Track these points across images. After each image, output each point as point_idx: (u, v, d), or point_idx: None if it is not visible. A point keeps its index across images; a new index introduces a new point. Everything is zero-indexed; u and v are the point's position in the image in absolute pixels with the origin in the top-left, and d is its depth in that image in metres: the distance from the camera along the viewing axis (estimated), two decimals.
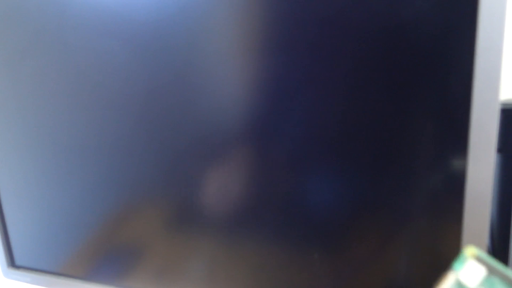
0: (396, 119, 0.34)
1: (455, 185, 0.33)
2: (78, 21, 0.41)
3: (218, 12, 0.37)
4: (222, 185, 0.41)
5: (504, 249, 0.40)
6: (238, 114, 0.39)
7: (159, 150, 0.42)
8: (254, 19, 0.36)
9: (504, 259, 0.40)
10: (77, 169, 0.46)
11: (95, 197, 0.46)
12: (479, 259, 0.20)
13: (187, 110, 0.40)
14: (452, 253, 0.34)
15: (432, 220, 0.35)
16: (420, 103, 0.33)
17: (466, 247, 0.20)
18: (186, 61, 0.39)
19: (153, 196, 0.44)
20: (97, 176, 0.45)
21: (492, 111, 0.31)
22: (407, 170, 0.35)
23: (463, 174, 0.33)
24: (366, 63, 0.34)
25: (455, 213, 0.34)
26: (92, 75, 0.42)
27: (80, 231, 0.47)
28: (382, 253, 0.37)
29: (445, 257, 0.35)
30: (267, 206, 0.40)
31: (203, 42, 0.38)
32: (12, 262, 0.54)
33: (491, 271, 0.20)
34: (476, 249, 0.20)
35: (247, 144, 0.39)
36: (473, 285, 0.19)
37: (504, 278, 0.19)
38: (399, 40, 0.32)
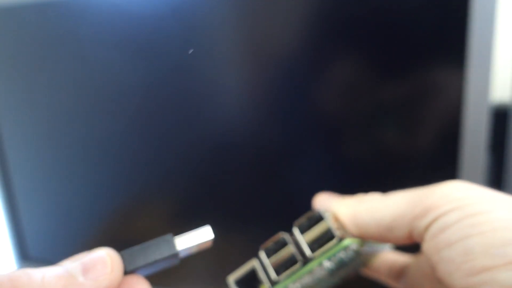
0: (388, 120, 0.34)
1: None
2: (90, 30, 0.42)
3: (226, 19, 0.37)
4: (225, 184, 0.42)
5: None
6: (239, 114, 0.39)
7: (165, 148, 0.43)
8: (253, 20, 0.36)
9: None
10: (89, 165, 0.47)
11: (106, 191, 0.47)
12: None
13: (192, 111, 0.41)
14: None
15: None
16: (411, 104, 0.33)
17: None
18: (195, 67, 0.39)
19: (160, 193, 0.45)
20: (109, 171, 0.46)
21: (483, 112, 0.31)
22: (399, 171, 0.35)
23: (455, 175, 0.33)
24: (356, 62, 0.34)
25: None
26: (102, 80, 0.43)
27: (92, 224, 0.49)
28: None
29: None
30: (269, 205, 0.41)
31: (207, 47, 0.38)
32: (25, 254, 0.56)
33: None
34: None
35: (248, 143, 0.40)
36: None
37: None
38: (390, 40, 0.33)
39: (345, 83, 0.35)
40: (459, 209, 0.15)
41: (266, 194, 0.40)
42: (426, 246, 0.16)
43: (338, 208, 0.20)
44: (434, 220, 0.16)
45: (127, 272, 0.17)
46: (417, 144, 0.34)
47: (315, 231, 0.18)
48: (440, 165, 0.34)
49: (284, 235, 0.19)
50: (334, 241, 0.18)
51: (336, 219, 0.19)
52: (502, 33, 0.31)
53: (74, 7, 0.42)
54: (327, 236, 0.18)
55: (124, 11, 0.40)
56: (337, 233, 0.18)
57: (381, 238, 0.19)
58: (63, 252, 0.53)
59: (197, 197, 0.43)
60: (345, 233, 0.19)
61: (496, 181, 0.37)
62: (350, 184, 0.37)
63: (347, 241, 0.18)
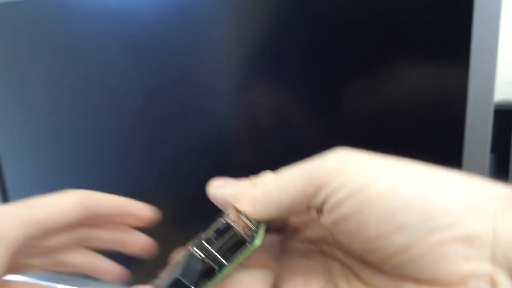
0: (391, 120, 0.34)
1: None
2: (85, 26, 0.41)
3: (221, 13, 0.37)
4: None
5: None
6: (237, 112, 0.39)
7: (159, 147, 0.43)
8: (252, 19, 0.36)
9: None
10: (84, 162, 0.46)
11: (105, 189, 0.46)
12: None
13: (189, 109, 0.41)
14: None
15: None
16: (416, 104, 0.33)
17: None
18: (187, 63, 0.39)
19: (155, 193, 0.44)
20: (103, 172, 0.46)
21: (486, 112, 0.31)
22: None
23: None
24: (361, 62, 0.34)
25: None
26: (96, 75, 0.43)
27: None
28: None
29: None
30: None
31: (205, 44, 0.38)
32: None
33: None
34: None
35: (246, 142, 0.39)
36: None
37: None
38: (395, 40, 0.33)
39: (346, 84, 0.35)
40: (347, 184, 0.17)
41: None
42: (324, 219, 0.18)
43: (236, 199, 0.20)
44: (327, 197, 0.17)
45: None
46: (421, 143, 0.34)
47: (225, 241, 0.19)
48: (443, 164, 0.34)
49: (194, 251, 0.19)
50: (247, 247, 0.18)
51: (237, 211, 0.19)
52: (505, 32, 0.31)
53: (72, 4, 0.41)
54: (238, 243, 0.18)
55: (121, 8, 0.40)
56: (247, 238, 0.18)
57: (283, 218, 0.20)
58: None
59: (195, 195, 0.43)
60: (250, 227, 0.19)
61: (498, 179, 0.37)
62: None
63: (257, 242, 0.18)
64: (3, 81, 0.47)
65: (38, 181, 0.49)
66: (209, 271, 0.19)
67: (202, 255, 0.19)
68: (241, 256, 0.19)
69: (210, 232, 0.19)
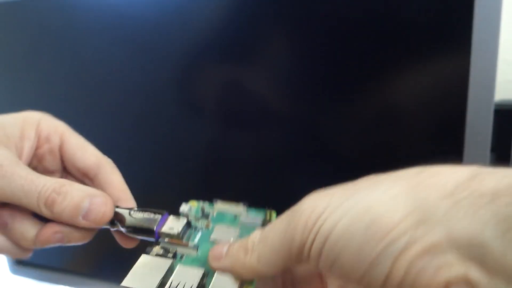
0: (391, 120, 0.34)
1: None
2: (85, 26, 0.41)
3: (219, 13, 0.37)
4: (221, 184, 0.41)
5: None
6: (236, 111, 0.39)
7: (160, 146, 0.43)
8: (254, 20, 0.36)
9: None
10: None
11: None
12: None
13: (189, 109, 0.41)
14: None
15: None
16: (416, 104, 0.33)
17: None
18: (187, 63, 0.39)
19: (155, 192, 0.44)
20: None
21: (486, 111, 0.31)
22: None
23: None
24: (360, 62, 0.34)
25: None
26: (96, 75, 0.43)
27: None
28: None
29: None
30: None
31: (205, 44, 0.38)
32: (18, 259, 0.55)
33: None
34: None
35: (248, 141, 0.39)
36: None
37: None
38: (394, 41, 0.33)
39: (347, 83, 0.35)
40: (319, 232, 0.17)
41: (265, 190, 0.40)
42: (318, 267, 0.18)
43: (235, 270, 0.21)
44: (308, 252, 0.18)
45: None
46: (421, 143, 0.34)
47: None
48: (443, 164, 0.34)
49: None
50: None
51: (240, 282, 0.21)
52: (505, 32, 0.31)
53: (72, 4, 0.41)
54: None
55: (122, 8, 0.40)
56: None
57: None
58: (56, 257, 0.52)
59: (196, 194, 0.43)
60: None
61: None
62: None
63: None
64: (3, 81, 0.47)
65: None
66: None
67: None
68: None
69: None
